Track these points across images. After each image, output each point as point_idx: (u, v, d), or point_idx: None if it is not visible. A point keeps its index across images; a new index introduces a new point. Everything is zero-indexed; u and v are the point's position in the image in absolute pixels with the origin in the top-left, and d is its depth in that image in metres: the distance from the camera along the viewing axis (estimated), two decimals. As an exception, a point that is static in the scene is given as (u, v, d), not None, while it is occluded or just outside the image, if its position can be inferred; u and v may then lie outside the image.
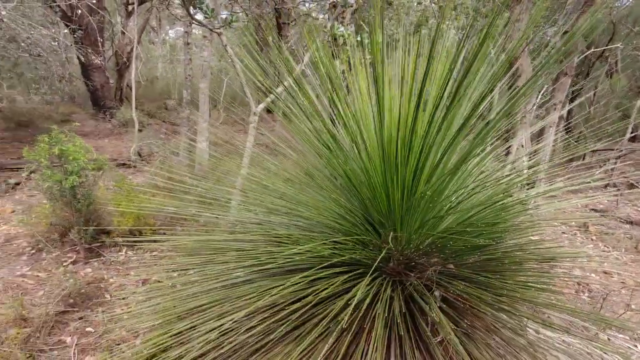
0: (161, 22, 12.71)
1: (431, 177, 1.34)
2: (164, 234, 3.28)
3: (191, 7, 2.09)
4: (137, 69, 7.67)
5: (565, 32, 4.05)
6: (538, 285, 1.17)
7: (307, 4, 9.16)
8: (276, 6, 7.28)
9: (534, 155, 2.57)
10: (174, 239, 1.81)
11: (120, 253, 3.19)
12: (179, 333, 1.43)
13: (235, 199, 1.92)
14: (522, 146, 3.58)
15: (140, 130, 6.76)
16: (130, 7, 8.32)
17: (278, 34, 8.26)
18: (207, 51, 4.13)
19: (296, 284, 1.06)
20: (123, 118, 7.80)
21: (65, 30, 5.14)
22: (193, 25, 5.75)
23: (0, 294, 2.57)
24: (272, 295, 1.00)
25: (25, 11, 4.51)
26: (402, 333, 1.06)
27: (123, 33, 8.21)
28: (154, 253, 3.29)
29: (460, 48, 1.02)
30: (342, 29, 2.08)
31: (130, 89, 8.91)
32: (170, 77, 12.48)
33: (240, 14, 7.44)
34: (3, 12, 3.27)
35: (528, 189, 1.86)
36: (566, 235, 4.05)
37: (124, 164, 5.73)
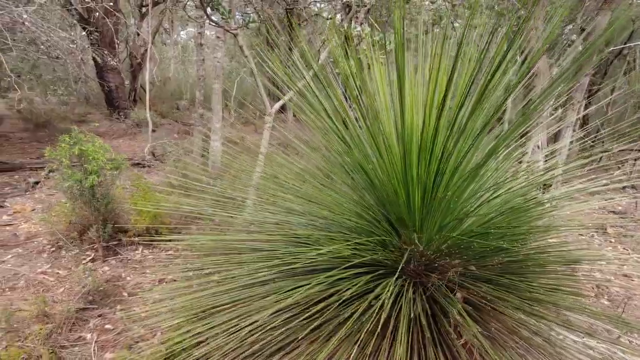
0: (173, 24, 12.86)
1: (452, 178, 1.33)
2: (180, 233, 3.33)
3: (208, 9, 2.11)
4: (152, 70, 7.78)
5: (583, 30, 3.97)
6: (565, 288, 1.15)
7: (317, 5, 9.17)
8: (288, 7, 7.30)
9: (551, 157, 2.53)
10: (192, 238, 1.83)
11: (136, 252, 3.24)
12: (199, 333, 1.45)
13: (253, 199, 1.93)
14: (538, 147, 3.52)
15: (153, 131, 6.85)
16: (144, 9, 8.45)
17: (289, 35, 8.28)
18: (220, 52, 4.16)
19: (320, 283, 1.07)
20: (137, 118, 7.92)
21: (83, 33, 5.25)
22: (206, 26, 5.80)
23: (23, 291, 2.64)
24: (300, 294, 1.01)
25: (44, 14, 4.61)
26: (427, 334, 1.05)
27: (137, 35, 8.33)
28: (169, 252, 3.34)
29: (484, 51, 1.01)
30: (358, 28, 2.08)
31: (144, 89, 9.04)
32: (182, 78, 12.63)
33: (252, 15, 7.48)
34: (25, 16, 3.36)
35: (544, 191, 1.83)
36: (583, 238, 3.97)
37: (138, 164, 5.81)
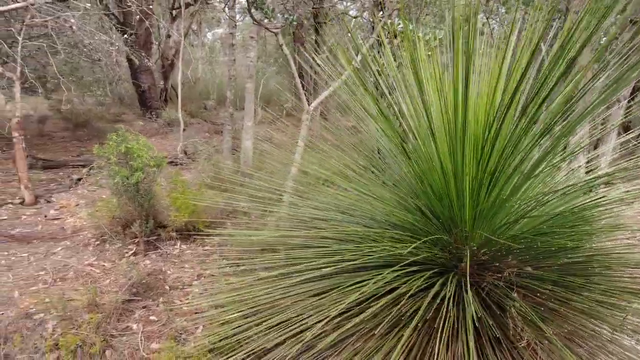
0: (201, 25, 13.17)
1: (512, 176, 1.30)
2: (216, 229, 3.41)
3: (252, 8, 2.16)
4: (188, 71, 7.99)
5: (632, 22, 3.76)
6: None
7: (344, 3, 9.15)
8: (314, 6, 7.31)
9: (595, 159, 2.42)
10: (241, 234, 1.87)
11: (175, 246, 3.35)
12: (246, 328, 1.47)
13: (296, 195, 1.95)
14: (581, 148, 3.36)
15: (184, 130, 7.03)
16: (174, 12, 8.69)
17: (316, 34, 8.31)
18: (253, 52, 4.22)
19: (381, 280, 1.07)
20: (168, 118, 8.16)
21: (125, 36, 5.48)
22: (236, 26, 5.88)
23: (72, 281, 2.78)
24: (368, 288, 1.01)
25: (85, 19, 4.83)
26: (493, 332, 1.03)
27: (168, 37, 8.59)
28: (207, 247, 3.42)
29: (566, 47, 0.98)
30: (402, 25, 2.06)
31: (174, 90, 9.30)
32: (209, 78, 12.90)
33: (293, 15, 7.53)
34: (72, 20, 3.53)
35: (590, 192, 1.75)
36: (629, 242, 3.78)
37: (171, 162, 5.98)
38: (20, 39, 3.50)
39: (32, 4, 3.23)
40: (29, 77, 3.78)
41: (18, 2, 3.25)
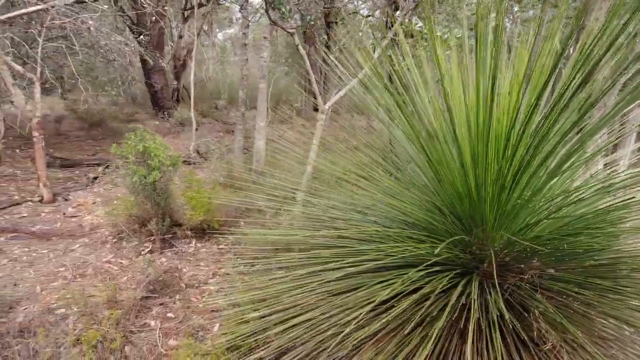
0: (212, 26, 13.27)
1: (534, 175, 1.29)
2: (230, 227, 3.44)
3: (270, 8, 2.18)
4: (201, 72, 8.07)
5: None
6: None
7: (354, 2, 9.13)
8: (325, 6, 7.31)
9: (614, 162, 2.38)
10: (258, 233, 1.88)
11: (190, 245, 3.39)
12: (265, 328, 1.49)
13: (308, 194, 1.96)
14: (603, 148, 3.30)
15: (196, 129, 7.10)
16: (186, 13, 8.78)
17: (327, 33, 8.31)
18: (266, 52, 4.24)
19: (409, 279, 1.07)
20: (180, 117, 8.24)
21: (141, 37, 5.57)
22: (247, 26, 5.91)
23: (92, 278, 2.83)
24: (396, 285, 1.01)
25: (102, 20, 4.91)
26: (513, 334, 1.03)
27: (180, 37, 8.68)
28: (221, 246, 3.46)
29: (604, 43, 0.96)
30: (420, 24, 2.06)
31: (186, 89, 9.40)
32: (220, 78, 13.00)
33: (312, 15, 7.53)
34: (90, 22, 3.60)
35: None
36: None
37: (184, 161, 6.05)
38: (40, 40, 3.58)
39: (52, 7, 3.30)
40: (49, 78, 3.87)
41: (38, 5, 3.33)
